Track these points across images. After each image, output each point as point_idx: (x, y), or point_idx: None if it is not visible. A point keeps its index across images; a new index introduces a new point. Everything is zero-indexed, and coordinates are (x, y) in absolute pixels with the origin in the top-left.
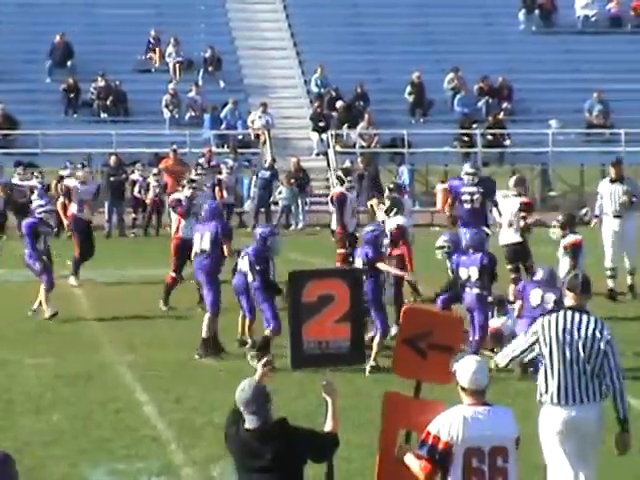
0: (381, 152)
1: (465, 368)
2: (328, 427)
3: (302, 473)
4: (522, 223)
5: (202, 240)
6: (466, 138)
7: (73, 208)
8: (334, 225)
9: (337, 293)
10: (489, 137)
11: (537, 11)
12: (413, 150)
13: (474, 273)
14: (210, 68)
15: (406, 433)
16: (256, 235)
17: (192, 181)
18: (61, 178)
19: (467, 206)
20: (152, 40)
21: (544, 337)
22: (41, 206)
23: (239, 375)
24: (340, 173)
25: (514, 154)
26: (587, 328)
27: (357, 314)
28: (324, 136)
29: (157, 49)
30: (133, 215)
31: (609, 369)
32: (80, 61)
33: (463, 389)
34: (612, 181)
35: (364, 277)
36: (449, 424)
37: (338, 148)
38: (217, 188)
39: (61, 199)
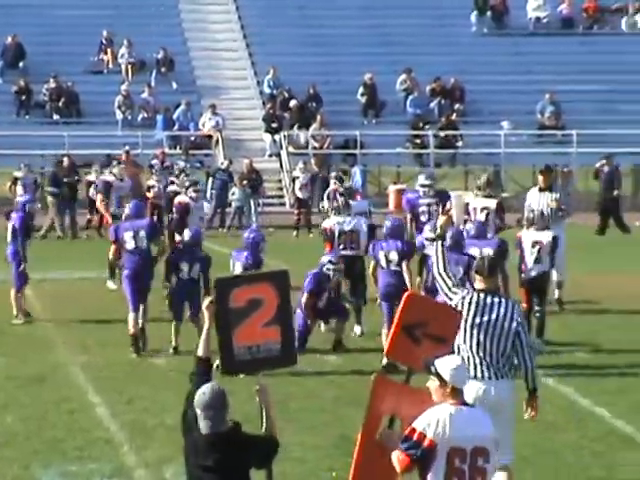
0: (334, 153)
1: (449, 365)
2: (265, 431)
3: (249, 476)
4: (498, 222)
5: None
6: (418, 140)
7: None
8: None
9: (265, 297)
10: (441, 138)
11: (489, 13)
12: (366, 151)
13: (394, 257)
14: (163, 69)
15: (390, 418)
16: (248, 240)
17: (195, 183)
18: (15, 180)
19: (424, 218)
20: (104, 41)
21: None
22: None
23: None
24: (339, 172)
25: (466, 155)
26: (498, 310)
27: (286, 316)
28: (277, 137)
29: (109, 50)
30: (88, 216)
31: (520, 348)
32: (32, 62)
33: (444, 385)
34: (541, 190)
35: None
36: (436, 422)
37: (291, 149)
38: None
39: (100, 196)
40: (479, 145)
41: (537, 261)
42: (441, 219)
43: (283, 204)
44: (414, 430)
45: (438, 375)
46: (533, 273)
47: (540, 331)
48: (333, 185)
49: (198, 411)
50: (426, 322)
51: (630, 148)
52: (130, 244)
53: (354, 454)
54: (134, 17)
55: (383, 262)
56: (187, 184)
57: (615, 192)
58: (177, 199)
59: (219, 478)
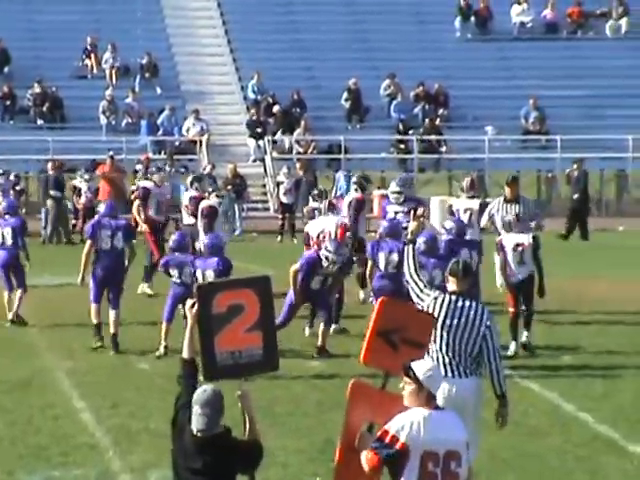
0: (318, 158)
1: (426, 371)
2: (248, 437)
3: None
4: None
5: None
6: (403, 145)
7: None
8: None
9: (246, 302)
10: (425, 143)
11: (473, 18)
12: (350, 156)
13: (394, 259)
14: (147, 74)
15: (369, 425)
16: (213, 245)
17: (216, 190)
18: None
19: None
20: (89, 46)
21: None
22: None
23: (173, 380)
24: (360, 179)
25: (450, 160)
26: (468, 313)
27: (268, 322)
28: (261, 142)
29: (94, 55)
30: (73, 221)
31: (487, 351)
32: (16, 67)
33: (421, 390)
34: (507, 201)
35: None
36: (409, 426)
37: (275, 154)
38: None
39: (137, 202)
40: (463, 150)
41: (520, 263)
42: (412, 224)
43: (267, 209)
44: (387, 432)
45: (416, 379)
46: (520, 276)
47: (528, 326)
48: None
49: (196, 407)
50: (403, 327)
51: (614, 153)
52: (106, 243)
53: (334, 461)
54: (118, 22)
55: (382, 264)
56: (210, 189)
57: (575, 195)
58: (203, 204)
59: (204, 478)
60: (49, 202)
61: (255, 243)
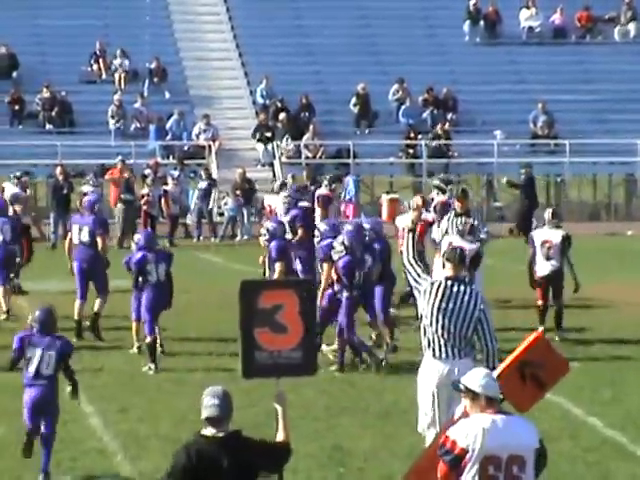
0: (326, 163)
1: (476, 376)
2: (280, 437)
3: None
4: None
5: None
6: (411, 149)
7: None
8: None
9: (288, 304)
10: (434, 148)
11: (482, 22)
12: (358, 161)
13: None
14: (155, 79)
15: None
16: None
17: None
18: (2, 190)
19: None
20: (98, 51)
21: (425, 302)
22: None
23: (182, 385)
24: (439, 182)
25: (459, 165)
26: (463, 297)
27: (309, 325)
28: (269, 147)
29: (102, 60)
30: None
31: (482, 334)
32: (25, 72)
33: (477, 398)
34: (457, 215)
35: None
36: (466, 432)
37: (284, 159)
38: (163, 199)
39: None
40: (472, 155)
41: (548, 259)
42: (412, 214)
43: (276, 214)
44: (447, 438)
45: (468, 390)
46: (546, 270)
47: (558, 324)
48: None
49: (206, 399)
50: (540, 365)
51: (622, 158)
52: (75, 238)
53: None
54: (127, 27)
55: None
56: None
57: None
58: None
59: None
60: (119, 206)
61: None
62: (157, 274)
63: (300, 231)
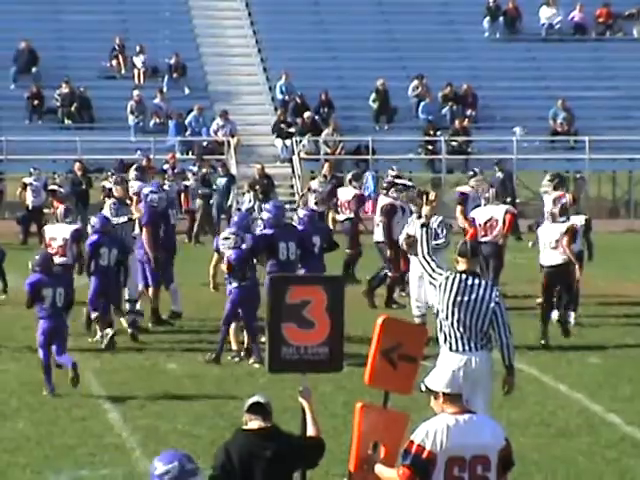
0: (346, 159)
1: (435, 375)
2: (311, 432)
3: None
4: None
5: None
6: (430, 146)
7: None
8: (380, 237)
9: (315, 299)
10: (453, 144)
11: (501, 18)
12: (377, 157)
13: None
14: (175, 75)
15: (374, 444)
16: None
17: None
18: (25, 185)
19: None
20: (117, 47)
21: (440, 296)
22: None
23: (201, 381)
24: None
25: (478, 161)
26: (478, 291)
27: (336, 321)
28: (288, 143)
29: (122, 56)
30: None
31: (497, 326)
32: (44, 68)
33: (441, 396)
34: (420, 217)
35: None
36: (433, 433)
37: (303, 155)
38: (182, 195)
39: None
40: (491, 151)
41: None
42: (425, 209)
43: (295, 210)
44: (412, 443)
45: (428, 390)
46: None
47: (574, 307)
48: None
49: (249, 399)
50: (399, 344)
51: None
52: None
53: None
54: (146, 22)
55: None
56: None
57: (508, 199)
58: (382, 201)
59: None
60: (198, 201)
61: None
62: (109, 259)
63: None
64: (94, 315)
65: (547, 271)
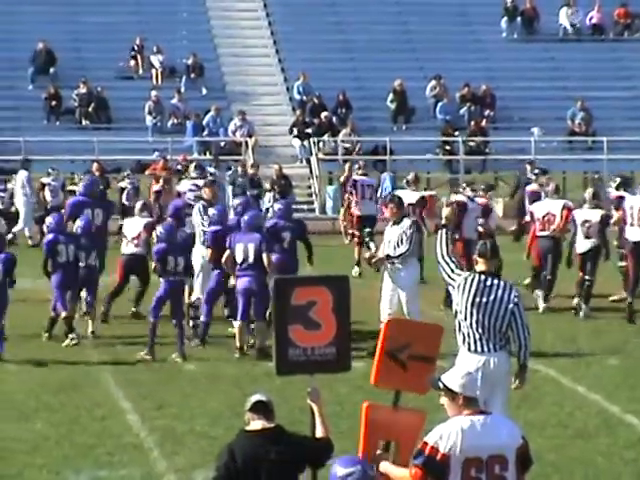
0: (363, 159)
1: (455, 374)
2: (319, 433)
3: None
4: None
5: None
6: (448, 146)
7: None
8: None
9: (321, 300)
10: (471, 144)
11: (519, 19)
12: (395, 157)
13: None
14: (192, 75)
15: (385, 443)
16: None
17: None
18: (43, 185)
19: None
20: (135, 47)
21: (459, 297)
22: None
23: (218, 382)
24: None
25: (496, 161)
26: (497, 291)
27: (342, 321)
28: (306, 143)
29: (139, 56)
30: (120, 222)
31: (516, 327)
32: (62, 68)
33: (456, 398)
34: (394, 223)
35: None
36: (447, 435)
37: (320, 155)
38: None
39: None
40: (509, 152)
41: (587, 237)
42: (445, 210)
43: (312, 210)
44: (426, 444)
45: (447, 389)
46: (585, 248)
47: (587, 299)
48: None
49: (250, 398)
50: (409, 344)
51: None
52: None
53: None
54: (164, 23)
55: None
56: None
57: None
58: (454, 198)
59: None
60: (235, 202)
61: (300, 244)
62: (67, 255)
63: None
64: (64, 314)
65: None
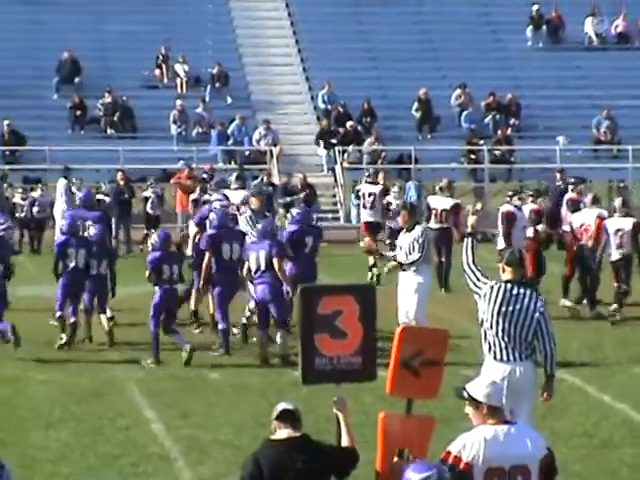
0: (388, 168)
1: (480, 384)
2: (345, 442)
3: None
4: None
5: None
6: (473, 155)
7: None
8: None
9: (347, 309)
10: (496, 153)
11: (544, 27)
12: (420, 166)
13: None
14: (217, 84)
15: (398, 451)
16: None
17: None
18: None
19: None
20: (161, 56)
21: (485, 305)
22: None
23: (244, 391)
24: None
25: (521, 170)
26: (523, 301)
27: (368, 330)
28: (331, 152)
29: (164, 65)
30: (145, 231)
31: (542, 336)
32: (87, 77)
33: (480, 407)
34: (407, 230)
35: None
36: (470, 445)
37: (345, 164)
38: None
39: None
40: (534, 160)
41: (619, 246)
42: (471, 218)
43: (337, 219)
44: (449, 453)
45: (471, 399)
46: (618, 256)
47: (620, 304)
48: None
49: (277, 406)
50: (420, 351)
51: None
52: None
53: None
54: (189, 32)
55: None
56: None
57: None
58: (503, 208)
59: None
60: (280, 211)
61: (325, 252)
62: (76, 260)
63: None
64: (58, 314)
65: None
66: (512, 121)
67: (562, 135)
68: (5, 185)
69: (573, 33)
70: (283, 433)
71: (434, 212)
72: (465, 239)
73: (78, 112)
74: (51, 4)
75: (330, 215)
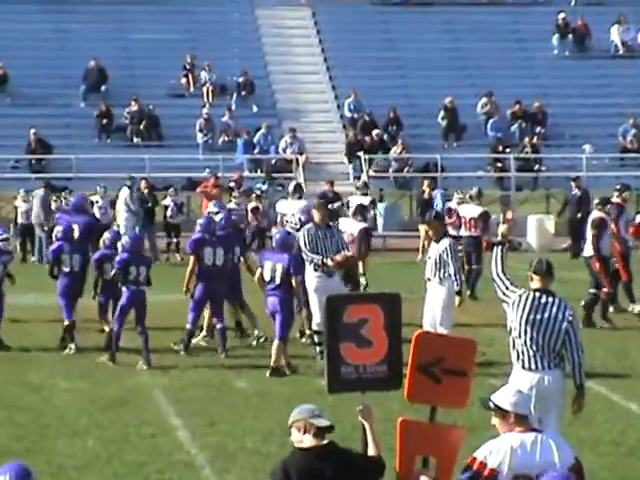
0: (414, 177)
1: (505, 393)
2: (371, 451)
3: None
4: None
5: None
6: (499, 163)
7: None
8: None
9: (373, 318)
10: (522, 162)
11: (570, 36)
12: (446, 174)
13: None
14: (243, 92)
15: (423, 459)
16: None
17: None
18: (92, 203)
19: None
20: (187, 65)
21: (513, 314)
22: None
23: (270, 399)
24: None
25: (548, 179)
26: (551, 309)
27: (394, 339)
28: (357, 161)
29: (191, 74)
30: (166, 239)
31: (570, 345)
32: (114, 86)
33: (507, 416)
34: (435, 241)
35: None
36: (497, 452)
37: (371, 172)
38: (251, 213)
39: None
40: (561, 168)
41: None
42: (502, 227)
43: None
44: (475, 459)
45: (497, 408)
46: None
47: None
48: None
49: (314, 413)
50: (442, 358)
51: None
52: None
53: None
54: (215, 41)
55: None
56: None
57: (579, 214)
58: (594, 215)
59: None
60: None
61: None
62: (71, 264)
63: None
64: (67, 323)
65: None
66: (538, 129)
67: (588, 143)
68: (49, 193)
69: (599, 41)
70: (309, 442)
71: (463, 220)
72: (495, 248)
73: (104, 120)
74: (77, 13)
75: None
